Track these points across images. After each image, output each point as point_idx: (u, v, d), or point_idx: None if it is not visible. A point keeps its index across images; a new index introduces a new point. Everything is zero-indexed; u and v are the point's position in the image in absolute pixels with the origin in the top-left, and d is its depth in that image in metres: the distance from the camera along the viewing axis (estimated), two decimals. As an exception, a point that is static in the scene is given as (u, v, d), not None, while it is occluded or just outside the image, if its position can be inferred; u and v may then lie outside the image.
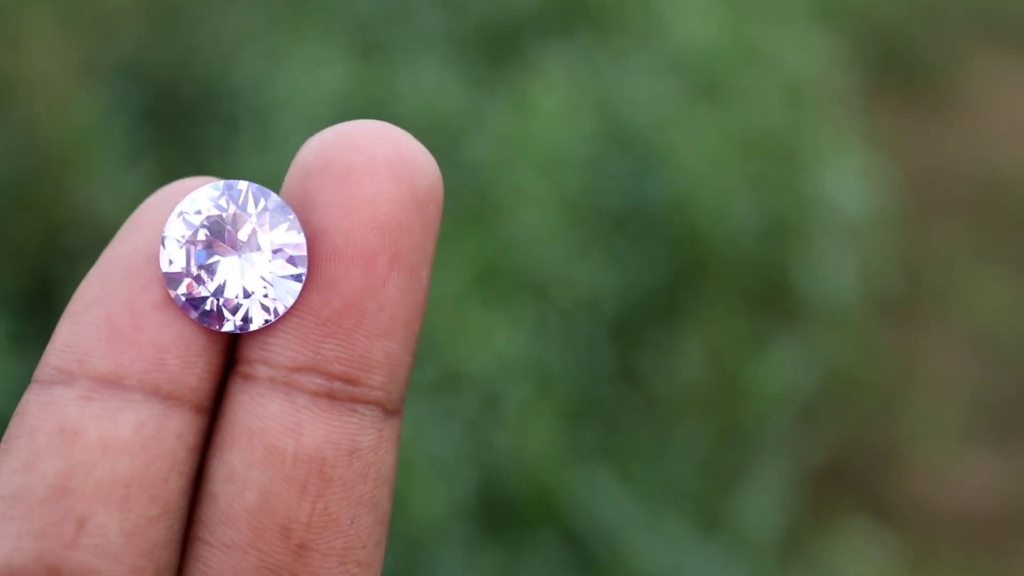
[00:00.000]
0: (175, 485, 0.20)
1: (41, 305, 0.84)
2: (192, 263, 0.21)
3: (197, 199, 0.21)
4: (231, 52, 1.01)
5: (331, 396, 0.21)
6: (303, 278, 0.21)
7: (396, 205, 0.20)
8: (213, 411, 0.21)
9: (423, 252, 0.21)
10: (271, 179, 0.91)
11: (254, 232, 0.21)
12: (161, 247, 0.21)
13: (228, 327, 0.21)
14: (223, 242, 0.21)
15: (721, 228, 0.96)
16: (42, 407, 0.20)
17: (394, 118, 1.04)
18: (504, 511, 0.80)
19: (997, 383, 1.04)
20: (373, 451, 0.21)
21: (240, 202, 0.21)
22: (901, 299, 1.09)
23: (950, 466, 0.98)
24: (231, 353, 0.21)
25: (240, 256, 0.21)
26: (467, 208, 0.90)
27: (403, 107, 0.96)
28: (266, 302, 0.21)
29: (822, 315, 1.00)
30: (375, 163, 0.20)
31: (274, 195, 0.21)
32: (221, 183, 0.21)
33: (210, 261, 0.21)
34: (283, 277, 0.21)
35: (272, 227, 0.21)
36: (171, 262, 0.21)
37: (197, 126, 0.95)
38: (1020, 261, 1.14)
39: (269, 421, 0.20)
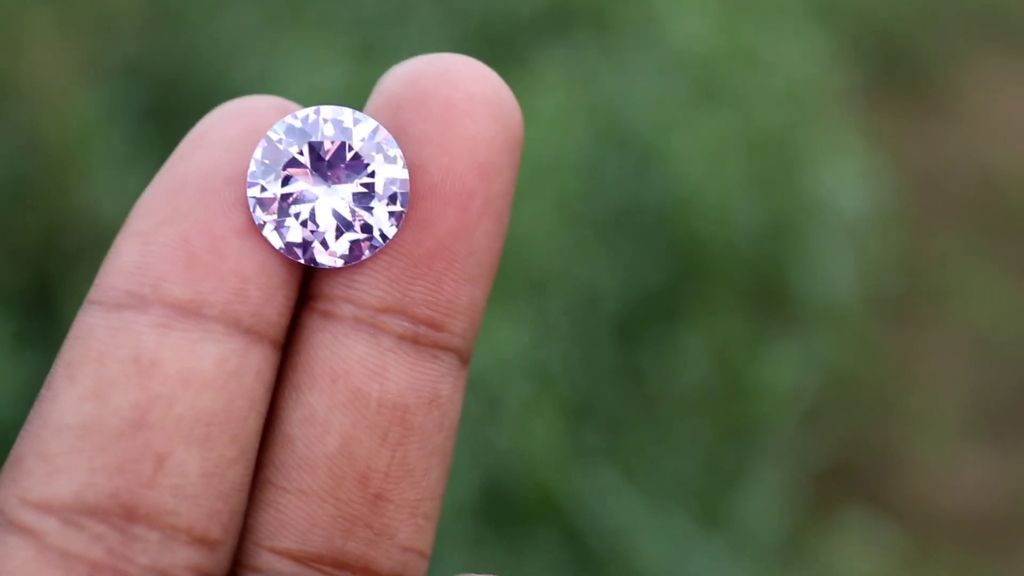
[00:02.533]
0: (253, 425, 0.19)
1: (42, 305, 0.84)
2: (280, 189, 0.19)
3: (289, 121, 0.20)
4: (231, 52, 1.01)
5: (415, 340, 0.20)
6: (402, 217, 0.19)
7: (494, 146, 0.20)
8: (285, 348, 0.20)
9: (508, 197, 0.20)
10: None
11: (352, 161, 0.20)
12: (250, 170, 0.19)
13: (317, 260, 0.19)
14: (315, 170, 0.20)
15: (721, 229, 0.96)
16: (112, 332, 0.19)
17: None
18: (506, 510, 0.80)
19: (996, 383, 1.05)
20: (449, 400, 0.20)
21: (340, 130, 0.20)
22: (901, 299, 1.09)
23: (950, 465, 0.98)
24: (304, 287, 0.20)
25: (331, 186, 0.20)
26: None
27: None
28: (358, 237, 0.19)
29: (822, 315, 1.00)
30: (474, 101, 0.19)
31: (378, 124, 0.20)
32: (316, 108, 0.20)
33: (299, 188, 0.19)
34: (380, 214, 0.19)
35: (373, 158, 0.19)
36: (257, 187, 0.19)
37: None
38: (1019, 261, 1.14)
39: (354, 363, 0.19)
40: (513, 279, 0.88)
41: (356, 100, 0.95)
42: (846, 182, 1.04)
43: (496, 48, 1.07)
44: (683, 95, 1.04)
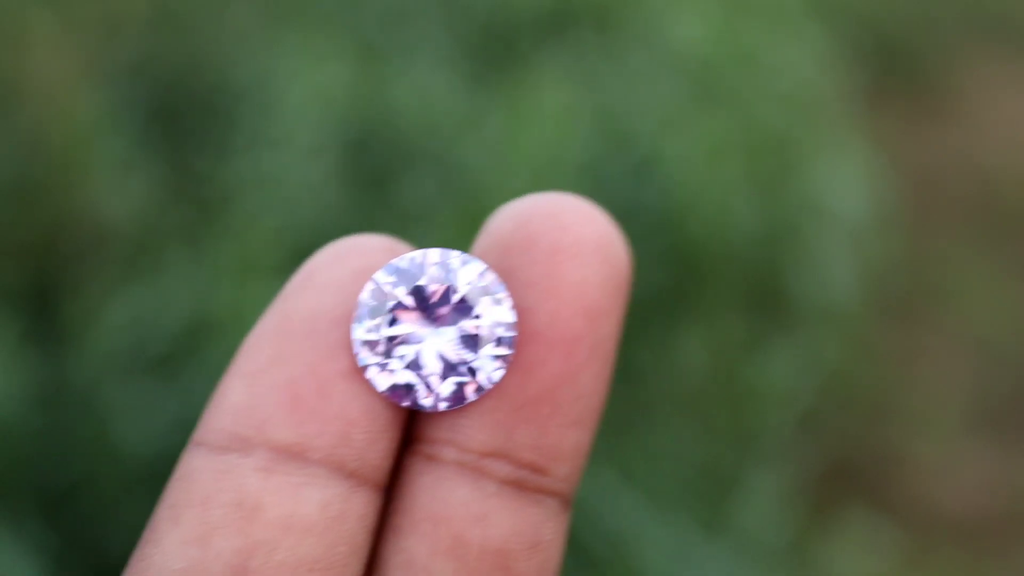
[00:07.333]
0: (354, 571, 0.19)
1: (44, 306, 0.84)
2: (386, 332, 0.19)
3: (396, 263, 0.19)
4: (234, 53, 1.01)
5: (519, 485, 0.19)
6: (508, 360, 0.19)
7: (603, 290, 0.19)
8: (388, 491, 0.20)
9: (615, 339, 0.20)
10: (273, 180, 0.91)
11: (458, 304, 0.19)
12: (354, 312, 0.19)
13: (420, 404, 0.19)
14: (423, 313, 0.19)
15: (720, 230, 0.97)
16: (216, 475, 0.18)
17: (391, 120, 1.03)
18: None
19: (996, 383, 1.05)
20: (552, 545, 0.19)
21: (447, 272, 0.19)
22: (901, 299, 1.10)
23: (950, 466, 0.98)
24: (408, 429, 0.20)
25: (437, 328, 0.19)
26: (464, 212, 0.90)
27: (400, 109, 0.96)
28: (463, 380, 0.19)
29: (821, 316, 1.00)
30: (583, 244, 0.19)
31: (486, 267, 0.19)
32: (423, 251, 0.19)
33: (405, 331, 0.19)
34: (486, 357, 0.19)
35: (479, 301, 0.19)
36: (362, 329, 0.19)
37: (200, 128, 0.95)
38: (1018, 261, 1.14)
39: (456, 508, 0.19)
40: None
41: (357, 100, 0.95)
42: (845, 183, 1.04)
43: (498, 48, 1.08)
44: (683, 97, 1.04)
